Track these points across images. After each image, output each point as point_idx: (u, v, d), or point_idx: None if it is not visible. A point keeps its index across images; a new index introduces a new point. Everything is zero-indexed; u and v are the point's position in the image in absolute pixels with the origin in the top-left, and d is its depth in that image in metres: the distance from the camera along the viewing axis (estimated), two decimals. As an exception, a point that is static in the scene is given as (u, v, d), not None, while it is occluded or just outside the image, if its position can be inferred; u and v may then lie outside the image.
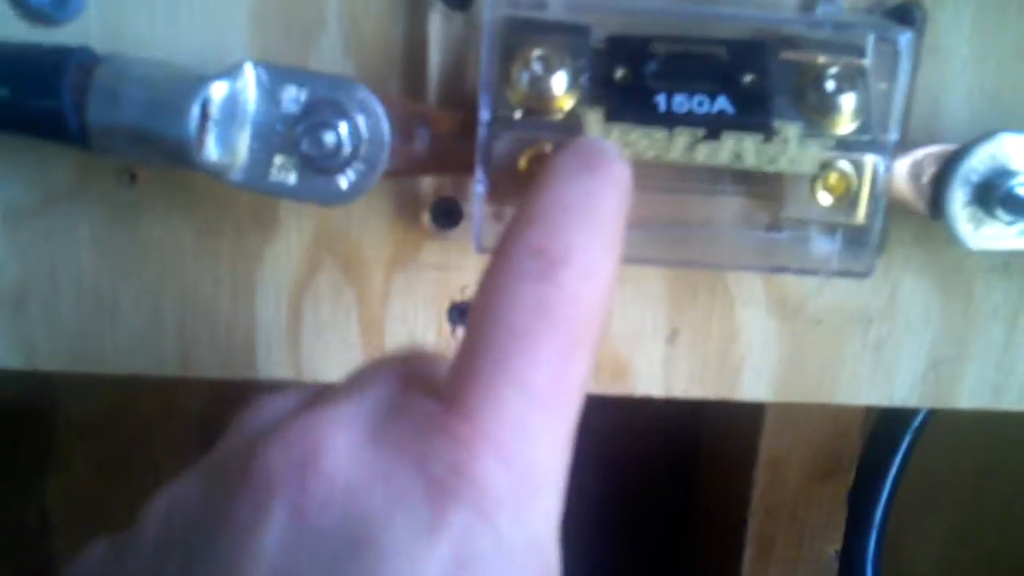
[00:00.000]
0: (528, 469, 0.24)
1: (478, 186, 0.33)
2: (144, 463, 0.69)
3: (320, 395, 0.27)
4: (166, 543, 0.25)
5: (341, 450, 0.24)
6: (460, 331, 0.40)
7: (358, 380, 0.27)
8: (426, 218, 0.38)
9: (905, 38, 0.33)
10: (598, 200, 0.27)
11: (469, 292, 0.39)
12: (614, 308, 0.40)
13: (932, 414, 0.63)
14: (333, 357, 0.39)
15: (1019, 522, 0.82)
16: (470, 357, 0.25)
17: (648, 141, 0.32)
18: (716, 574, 0.71)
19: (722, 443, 0.71)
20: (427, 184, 0.37)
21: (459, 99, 0.36)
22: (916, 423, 0.63)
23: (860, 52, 0.35)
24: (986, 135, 0.36)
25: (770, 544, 0.64)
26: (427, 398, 0.25)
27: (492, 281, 0.26)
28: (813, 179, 0.34)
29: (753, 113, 0.33)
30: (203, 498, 0.25)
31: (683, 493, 0.79)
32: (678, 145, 0.32)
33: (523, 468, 0.24)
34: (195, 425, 0.69)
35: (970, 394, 0.42)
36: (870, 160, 0.34)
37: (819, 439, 0.62)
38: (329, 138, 0.32)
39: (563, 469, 0.25)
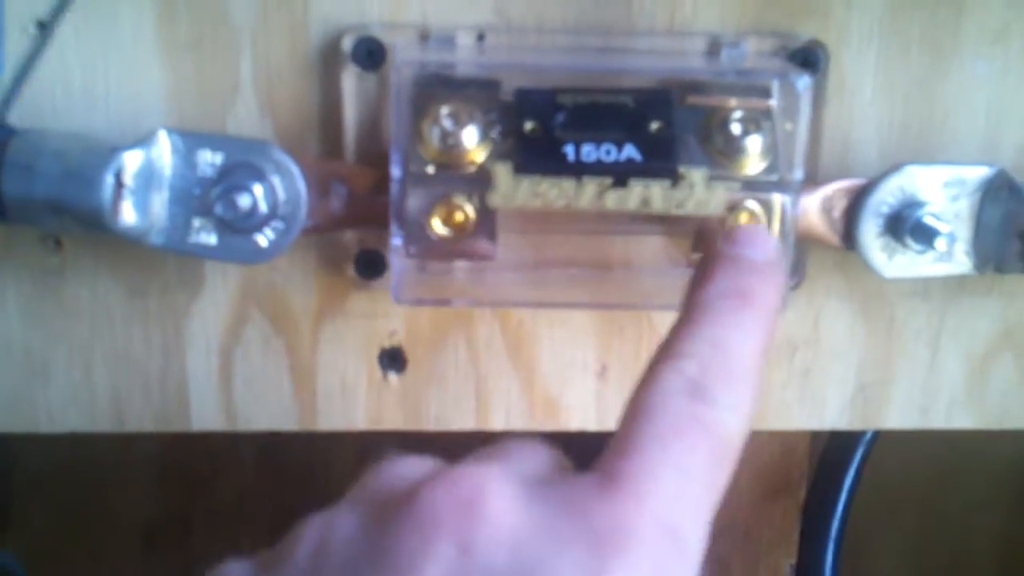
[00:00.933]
0: (679, 537, 0.25)
1: (394, 240, 0.34)
2: (104, 512, 0.69)
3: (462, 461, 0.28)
4: (320, 571, 0.25)
5: (506, 497, 0.25)
6: (391, 376, 0.40)
7: (502, 450, 0.28)
8: (351, 269, 0.38)
9: (803, 82, 0.34)
10: (748, 342, 0.29)
11: (397, 338, 0.40)
12: (544, 347, 0.41)
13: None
14: (266, 406, 0.40)
15: (977, 530, 0.83)
16: (628, 438, 0.26)
17: (558, 191, 0.33)
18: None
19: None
20: (350, 237, 0.38)
21: (376, 156, 0.36)
22: (869, 435, 0.64)
23: (766, 94, 0.36)
24: (893, 168, 0.37)
25: (726, 563, 0.65)
26: (580, 474, 0.26)
27: (649, 388, 0.27)
28: (722, 220, 0.35)
29: (659, 159, 0.33)
30: (362, 530, 0.25)
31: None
32: (587, 194, 0.33)
33: (675, 535, 0.25)
34: (154, 472, 0.69)
35: (898, 415, 0.43)
36: (778, 199, 0.35)
37: (767, 458, 0.63)
38: (244, 200, 0.33)
39: (704, 546, 0.26)
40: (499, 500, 0.25)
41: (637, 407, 0.27)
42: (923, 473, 0.80)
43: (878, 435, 0.64)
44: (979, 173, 0.37)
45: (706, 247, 0.34)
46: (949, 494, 0.82)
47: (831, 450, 0.65)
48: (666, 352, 0.29)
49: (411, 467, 0.27)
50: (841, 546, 0.65)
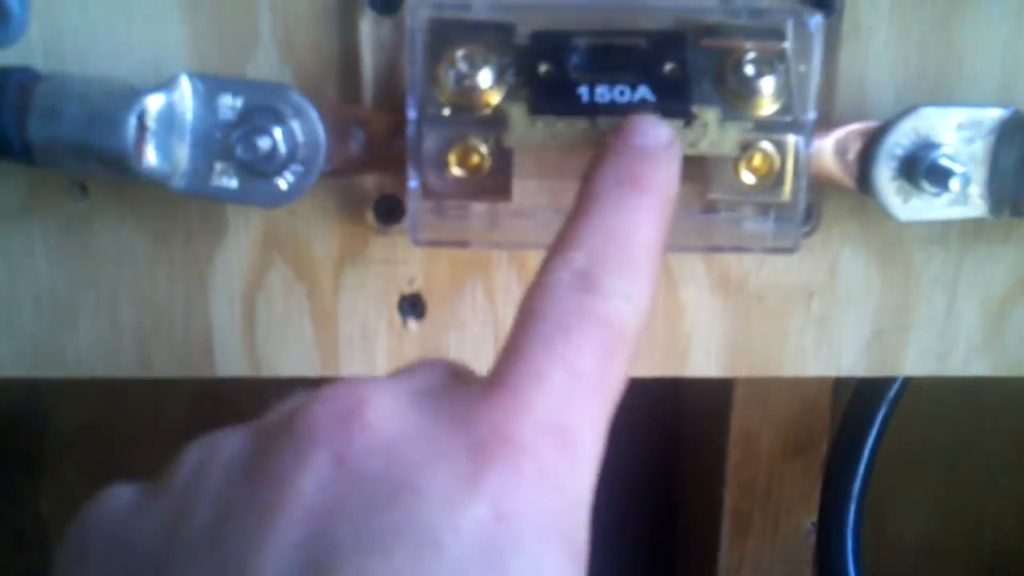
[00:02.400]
0: (567, 440, 0.25)
1: (411, 182, 0.35)
2: (133, 467, 0.70)
3: None
4: (198, 490, 0.25)
5: (385, 407, 0.25)
6: (411, 322, 0.41)
7: (404, 368, 0.29)
8: (370, 215, 0.39)
9: (815, 21, 0.34)
10: (642, 228, 0.29)
11: (416, 284, 0.40)
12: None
13: (907, 384, 0.64)
14: (288, 353, 0.41)
15: (1001, 491, 0.83)
16: (515, 344, 0.26)
17: (572, 131, 0.33)
18: (697, 551, 0.72)
19: (697, 421, 0.72)
20: (369, 182, 0.39)
21: (394, 100, 0.37)
22: (892, 393, 0.64)
23: (780, 36, 0.36)
24: (908, 110, 0.37)
25: (746, 519, 0.66)
26: (470, 383, 0.27)
27: (539, 290, 0.27)
28: (736, 160, 0.36)
29: (673, 100, 0.34)
30: (242, 450, 0.26)
31: (665, 470, 0.80)
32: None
33: (562, 439, 0.25)
34: (181, 428, 0.70)
35: (915, 362, 0.43)
36: (791, 140, 0.35)
37: (788, 414, 0.63)
38: (263, 143, 0.34)
39: (599, 448, 0.26)
40: (378, 411, 0.25)
41: (526, 308, 0.27)
42: (947, 433, 0.80)
43: (902, 393, 0.64)
44: (994, 115, 0.37)
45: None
46: (973, 455, 0.82)
47: (854, 407, 0.65)
48: (555, 247, 0.28)
49: (306, 395, 0.28)
50: (863, 505, 0.66)
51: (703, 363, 0.42)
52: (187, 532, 0.24)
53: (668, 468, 0.80)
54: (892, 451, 0.66)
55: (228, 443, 0.26)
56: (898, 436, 0.66)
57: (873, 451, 0.65)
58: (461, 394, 0.26)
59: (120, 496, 0.27)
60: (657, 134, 0.31)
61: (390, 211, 0.39)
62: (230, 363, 0.41)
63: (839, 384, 0.66)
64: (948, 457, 0.82)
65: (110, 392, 0.69)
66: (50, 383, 0.41)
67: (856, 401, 0.65)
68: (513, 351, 0.26)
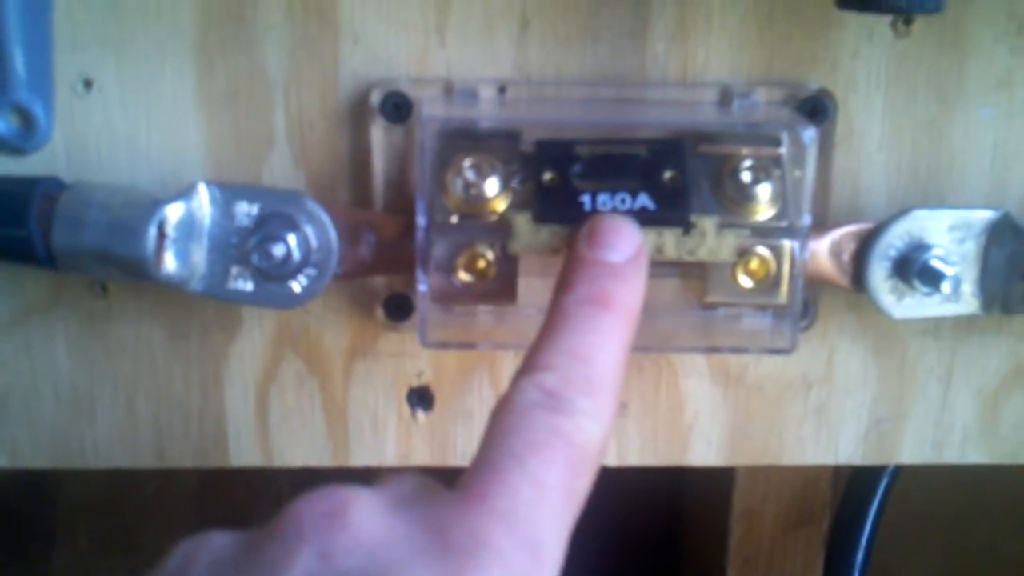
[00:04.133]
0: (534, 547, 0.26)
1: (420, 286, 0.36)
2: (144, 537, 0.71)
3: None
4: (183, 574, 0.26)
5: (367, 509, 0.26)
6: (420, 414, 0.42)
7: (377, 481, 0.30)
8: (380, 312, 0.40)
9: (808, 134, 0.35)
10: (608, 347, 0.30)
11: (425, 377, 0.42)
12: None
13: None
14: (300, 443, 0.42)
15: (1003, 561, 0.83)
16: (487, 458, 0.28)
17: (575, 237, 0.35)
18: (701, 623, 0.73)
19: (701, 497, 0.72)
20: (379, 281, 0.40)
21: (404, 204, 0.38)
22: (892, 466, 0.65)
23: (776, 143, 0.37)
24: (900, 213, 0.38)
25: (750, 594, 0.66)
26: (442, 493, 0.28)
27: (508, 406, 0.29)
28: (734, 265, 0.37)
29: (672, 208, 0.35)
30: (231, 545, 0.27)
31: (668, 546, 0.80)
32: (603, 241, 0.35)
33: (530, 546, 0.26)
34: (192, 499, 0.71)
35: (911, 450, 0.44)
36: (787, 244, 0.37)
37: (790, 490, 0.64)
38: (278, 250, 0.35)
39: (562, 556, 0.27)
40: (360, 511, 0.26)
41: (496, 424, 0.28)
42: (947, 504, 0.81)
43: (901, 468, 0.65)
44: (984, 216, 0.38)
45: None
46: (974, 525, 0.82)
47: (855, 481, 0.65)
48: (526, 365, 0.30)
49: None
50: (866, 576, 0.66)
51: (704, 452, 0.43)
52: None
53: (671, 543, 0.80)
54: (894, 521, 0.66)
55: (218, 540, 0.27)
56: (900, 506, 0.66)
57: (875, 523, 0.65)
58: (436, 502, 0.27)
59: None
60: (625, 248, 0.32)
61: (400, 308, 0.40)
62: (243, 454, 0.42)
63: (840, 458, 0.66)
64: (950, 526, 0.82)
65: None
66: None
67: (858, 474, 0.65)
68: (484, 465, 0.28)
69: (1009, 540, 0.83)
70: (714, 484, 0.66)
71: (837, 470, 0.66)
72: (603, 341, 0.30)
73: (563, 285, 0.31)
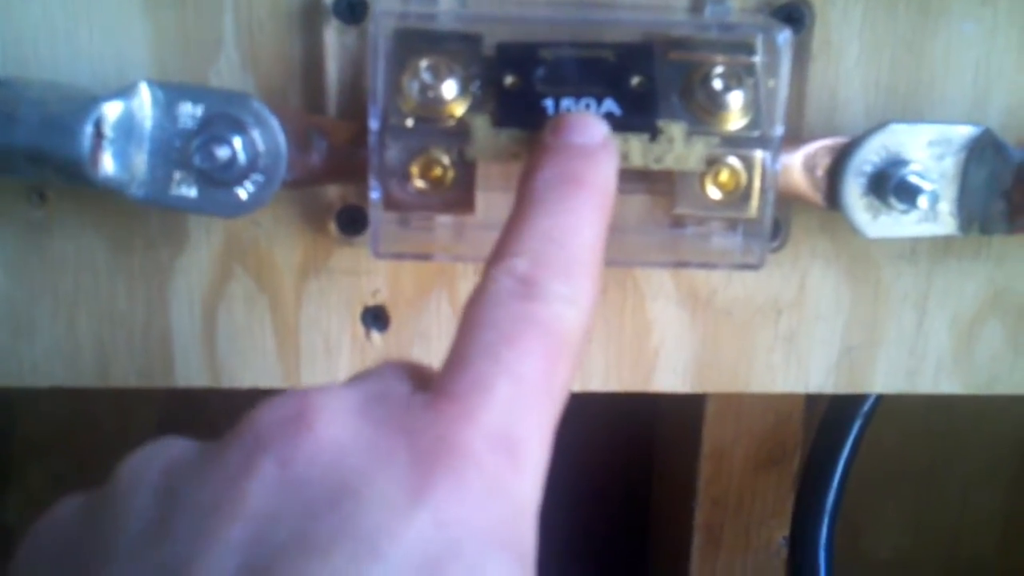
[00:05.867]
0: (512, 448, 0.25)
1: (372, 193, 0.34)
2: (100, 476, 0.70)
3: None
4: (139, 492, 0.25)
5: (330, 414, 0.25)
6: (374, 334, 0.40)
7: (357, 375, 0.28)
8: (333, 226, 0.38)
9: (783, 36, 0.34)
10: (583, 228, 0.28)
11: (380, 296, 0.40)
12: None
13: (881, 398, 0.64)
14: (249, 363, 0.40)
15: (976, 506, 0.83)
16: (459, 353, 0.26)
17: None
18: (667, 565, 0.72)
19: (671, 434, 0.72)
20: (333, 192, 0.38)
21: (358, 111, 0.36)
22: (866, 407, 0.64)
23: (750, 50, 0.36)
24: (877, 126, 0.37)
25: (717, 533, 0.65)
26: (417, 390, 0.26)
27: (480, 297, 0.27)
28: (702, 176, 0.35)
29: (639, 114, 0.33)
30: (187, 453, 0.26)
31: (639, 484, 0.80)
32: (565, 147, 0.33)
33: (507, 446, 0.25)
34: (151, 436, 0.69)
35: (884, 379, 0.43)
36: (758, 155, 0.35)
37: (761, 428, 0.63)
38: (223, 152, 0.33)
39: (545, 456, 0.26)
40: (323, 417, 0.25)
41: (468, 317, 0.27)
42: (921, 447, 0.80)
43: (876, 406, 0.64)
44: (964, 132, 0.37)
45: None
46: (948, 468, 0.82)
47: (828, 420, 0.65)
48: (496, 253, 0.28)
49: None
50: (836, 520, 0.65)
51: (670, 379, 0.42)
52: (127, 533, 0.24)
53: (641, 482, 0.79)
54: (866, 466, 0.66)
55: (175, 446, 0.26)
56: (872, 450, 0.65)
57: (847, 465, 0.65)
58: (408, 404, 0.26)
59: (68, 504, 0.27)
60: (593, 132, 0.31)
61: (353, 222, 0.38)
62: (190, 373, 0.40)
63: (812, 398, 0.65)
64: (922, 472, 0.82)
65: (78, 399, 0.68)
66: (17, 391, 0.40)
67: (830, 414, 0.65)
68: (457, 361, 0.26)
69: (981, 488, 0.83)
70: (684, 420, 0.65)
71: (809, 409, 0.65)
72: (577, 221, 0.28)
73: (530, 170, 0.30)
